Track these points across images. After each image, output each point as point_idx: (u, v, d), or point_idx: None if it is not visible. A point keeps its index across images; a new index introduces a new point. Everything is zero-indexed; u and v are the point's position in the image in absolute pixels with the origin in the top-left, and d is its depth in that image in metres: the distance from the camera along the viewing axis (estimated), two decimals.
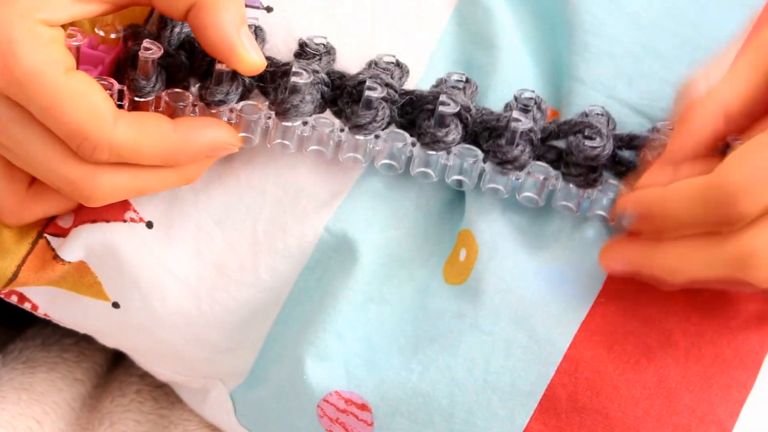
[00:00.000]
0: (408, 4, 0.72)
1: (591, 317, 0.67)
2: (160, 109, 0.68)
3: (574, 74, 0.70)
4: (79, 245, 0.71)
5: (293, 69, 0.67)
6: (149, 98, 0.67)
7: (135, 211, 0.71)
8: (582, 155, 0.66)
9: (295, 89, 0.67)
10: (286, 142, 0.69)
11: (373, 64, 0.69)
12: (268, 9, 0.71)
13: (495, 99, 0.70)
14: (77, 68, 0.65)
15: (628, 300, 0.67)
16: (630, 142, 0.67)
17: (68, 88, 0.62)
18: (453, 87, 0.68)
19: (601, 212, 0.67)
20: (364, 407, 0.68)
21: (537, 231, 0.69)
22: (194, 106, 0.68)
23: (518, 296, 0.67)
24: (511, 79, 0.70)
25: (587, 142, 0.66)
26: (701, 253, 0.62)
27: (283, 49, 0.71)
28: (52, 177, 0.65)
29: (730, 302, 0.67)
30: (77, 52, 0.65)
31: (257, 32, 0.69)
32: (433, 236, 0.71)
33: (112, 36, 0.69)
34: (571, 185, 0.67)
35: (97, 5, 0.64)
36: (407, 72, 0.70)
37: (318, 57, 0.69)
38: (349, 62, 0.70)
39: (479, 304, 0.67)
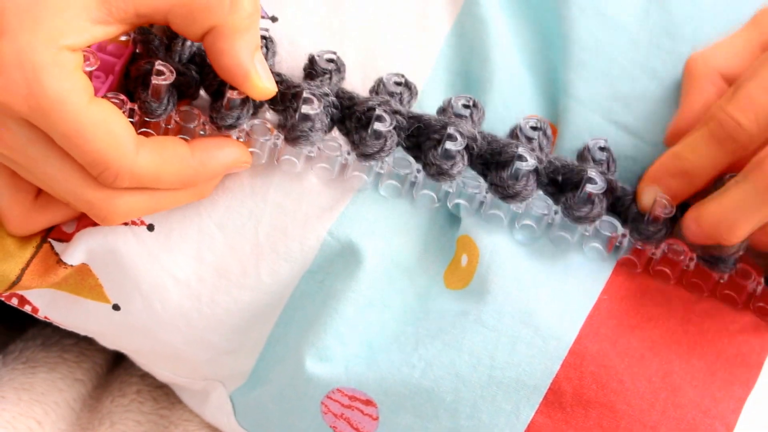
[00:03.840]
0: (411, 14, 0.72)
1: (595, 312, 0.67)
2: (170, 126, 0.68)
3: (571, 92, 0.70)
4: (81, 249, 0.71)
5: (304, 95, 0.67)
6: (160, 119, 0.68)
7: None
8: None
9: (305, 117, 0.67)
10: (294, 160, 0.69)
11: (381, 85, 0.69)
12: (273, 19, 0.72)
13: (491, 116, 0.70)
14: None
15: (630, 299, 0.68)
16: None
17: (91, 117, 0.62)
18: (459, 115, 0.68)
19: (597, 245, 0.68)
20: (369, 403, 0.68)
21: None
22: (204, 125, 0.68)
23: (522, 293, 0.67)
24: (506, 94, 0.71)
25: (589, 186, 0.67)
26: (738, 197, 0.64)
27: (287, 59, 0.71)
28: (69, 197, 0.65)
29: (726, 311, 0.69)
30: (90, 75, 0.65)
31: (268, 45, 0.69)
32: (435, 243, 0.71)
33: (122, 38, 0.69)
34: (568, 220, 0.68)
35: (117, 26, 0.64)
36: (416, 93, 0.70)
37: (328, 75, 0.69)
38: (352, 73, 0.71)
39: (482, 302, 0.67)
